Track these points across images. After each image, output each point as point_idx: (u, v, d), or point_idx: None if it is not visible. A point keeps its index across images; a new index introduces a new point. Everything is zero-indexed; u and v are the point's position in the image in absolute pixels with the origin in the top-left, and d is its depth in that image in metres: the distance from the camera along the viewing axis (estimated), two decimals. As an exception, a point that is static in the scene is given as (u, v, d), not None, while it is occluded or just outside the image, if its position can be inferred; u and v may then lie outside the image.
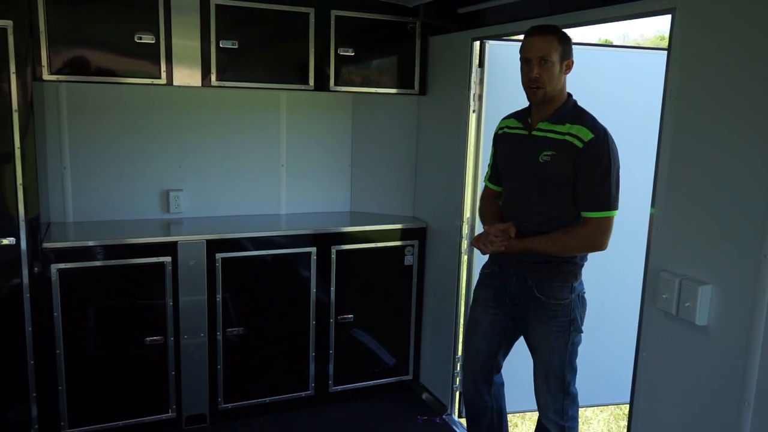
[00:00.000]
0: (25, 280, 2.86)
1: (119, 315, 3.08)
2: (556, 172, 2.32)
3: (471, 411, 2.79)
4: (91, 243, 3.00)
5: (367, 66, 3.56)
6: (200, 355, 3.24)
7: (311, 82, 3.35)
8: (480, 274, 2.68)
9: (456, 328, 3.43)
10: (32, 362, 2.92)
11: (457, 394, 3.48)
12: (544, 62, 2.31)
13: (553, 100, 2.37)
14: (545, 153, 2.34)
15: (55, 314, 2.94)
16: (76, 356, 3.01)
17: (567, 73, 2.37)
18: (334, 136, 3.88)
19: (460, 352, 3.42)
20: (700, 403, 1.97)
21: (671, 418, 2.08)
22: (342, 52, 3.39)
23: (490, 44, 3.16)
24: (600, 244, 2.32)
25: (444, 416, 3.48)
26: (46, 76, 2.87)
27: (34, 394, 2.95)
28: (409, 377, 3.78)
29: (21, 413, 2.94)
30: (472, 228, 3.29)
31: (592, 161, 2.27)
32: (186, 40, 3.08)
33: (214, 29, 3.12)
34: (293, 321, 3.43)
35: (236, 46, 3.18)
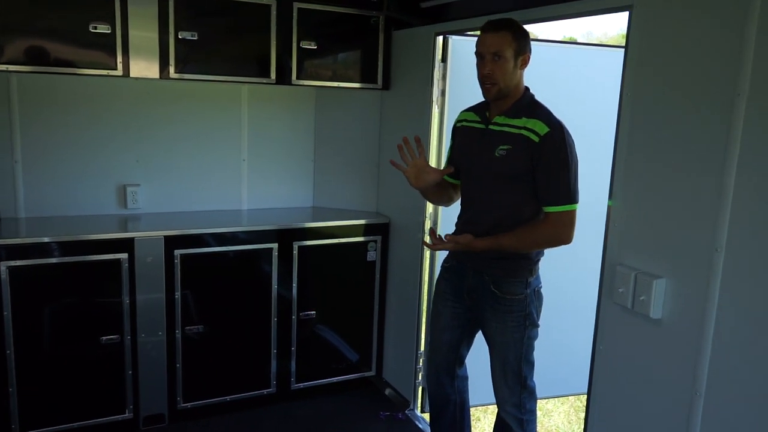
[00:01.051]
0: (-27, 278, 2.76)
1: (73, 313, 2.99)
2: (512, 166, 2.32)
3: (434, 403, 2.79)
4: (44, 239, 2.91)
5: (330, 60, 3.52)
6: (158, 354, 3.17)
7: (273, 75, 3.31)
8: (441, 268, 2.69)
9: (419, 324, 3.43)
10: (-20, 363, 2.83)
11: (420, 389, 3.48)
12: (497, 58, 2.29)
13: (510, 95, 2.36)
14: (501, 147, 2.33)
15: (5, 313, 2.84)
16: (27, 356, 2.91)
17: (523, 68, 2.36)
18: (297, 131, 3.84)
19: (422, 348, 3.42)
20: (655, 393, 2.00)
21: (627, 409, 2.11)
22: (304, 45, 3.35)
23: (453, 39, 3.16)
24: (564, 238, 2.32)
25: (407, 411, 3.49)
26: (-6, 66, 2.77)
27: (-17, 396, 2.85)
28: (372, 373, 3.77)
29: (-31, 416, 2.85)
30: (434, 223, 3.29)
31: (549, 155, 2.26)
32: (143, 30, 3.00)
33: (172, 20, 3.05)
34: (254, 318, 3.38)
35: (196, 38, 3.11)
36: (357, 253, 3.60)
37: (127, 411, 3.15)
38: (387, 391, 3.70)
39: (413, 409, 3.49)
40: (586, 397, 2.34)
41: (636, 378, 2.07)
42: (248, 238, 3.31)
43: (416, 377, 3.46)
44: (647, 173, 2.01)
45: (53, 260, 2.91)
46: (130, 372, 3.12)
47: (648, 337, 2.00)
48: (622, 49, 2.14)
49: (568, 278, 3.43)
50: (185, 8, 3.07)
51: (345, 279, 3.63)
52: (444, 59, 3.18)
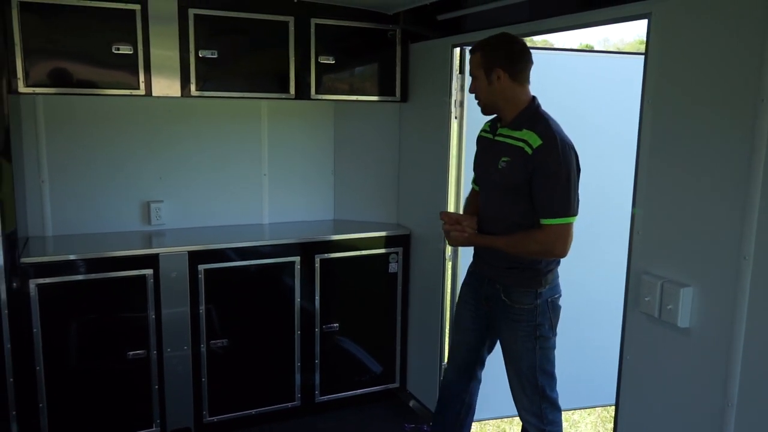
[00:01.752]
0: (3, 296, 2.80)
1: (100, 329, 3.03)
2: (511, 178, 2.34)
3: (442, 397, 2.83)
4: (70, 257, 2.96)
5: (348, 74, 3.55)
6: (184, 368, 3.20)
7: (292, 90, 3.34)
8: (466, 273, 2.73)
9: (442, 335, 3.42)
10: (11, 380, 2.86)
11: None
12: (473, 78, 2.43)
13: (509, 107, 2.39)
14: (503, 159, 2.37)
15: (35, 330, 2.89)
16: (56, 372, 2.96)
17: (501, 83, 2.36)
18: (316, 145, 3.87)
19: (446, 359, 3.41)
20: (685, 403, 1.98)
21: (656, 420, 2.09)
22: (322, 60, 3.38)
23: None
24: (557, 251, 2.32)
25: (431, 424, 3.46)
26: (21, 89, 2.83)
27: (14, 412, 2.89)
28: (396, 385, 3.76)
29: (1, 432, 2.89)
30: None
31: (541, 168, 2.26)
32: (164, 50, 3.06)
33: (193, 39, 3.10)
34: (278, 331, 3.40)
35: (216, 56, 3.16)
36: (379, 264, 3.61)
37: (154, 425, 3.18)
38: (411, 403, 3.69)
39: (438, 421, 3.48)
40: (613, 408, 2.32)
41: (665, 388, 2.05)
42: (271, 252, 3.33)
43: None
44: (671, 181, 1.99)
45: (80, 277, 2.96)
46: (157, 386, 3.15)
47: (676, 346, 1.98)
48: (640, 56, 2.14)
49: (593, 287, 3.41)
50: (205, 27, 3.12)
51: (367, 291, 3.64)
52: (462, 71, 3.19)
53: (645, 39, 2.12)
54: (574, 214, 2.28)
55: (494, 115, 2.53)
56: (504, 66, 2.35)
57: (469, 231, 2.47)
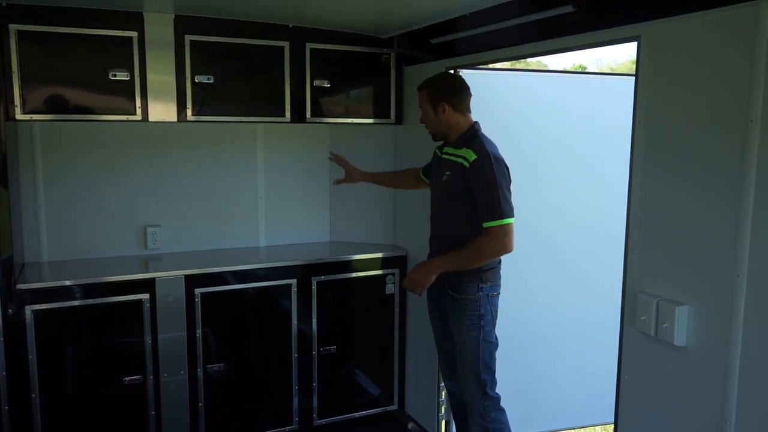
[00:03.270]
0: (-1, 322, 2.80)
1: (97, 355, 3.02)
2: (452, 188, 2.71)
3: (454, 408, 3.07)
4: (67, 282, 2.95)
5: (344, 97, 3.59)
6: (181, 393, 3.18)
7: (288, 114, 3.37)
8: None
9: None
10: (6, 408, 2.84)
11: (444, 423, 3.45)
12: (423, 111, 2.82)
13: (452, 132, 2.76)
14: (446, 173, 2.75)
15: (30, 357, 2.87)
16: (52, 399, 2.94)
17: (445, 114, 2.74)
18: (312, 167, 3.89)
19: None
20: (683, 422, 1.98)
21: (656, 440, 2.08)
22: (318, 83, 3.42)
23: (463, 73, 3.21)
24: (503, 248, 2.59)
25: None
26: (18, 116, 2.85)
27: (9, 440, 2.87)
28: (395, 407, 3.74)
29: (-5, 461, 2.86)
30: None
31: (477, 178, 2.60)
32: (161, 75, 3.09)
33: (189, 64, 3.14)
34: (275, 354, 3.39)
35: (212, 81, 3.19)
36: (376, 286, 3.61)
37: (150, 452, 3.15)
38: (410, 426, 3.66)
39: (437, 444, 3.46)
40: (611, 427, 2.31)
41: (663, 406, 2.05)
42: (267, 275, 3.33)
43: (439, 410, 3.43)
44: (664, 200, 2.01)
45: (76, 303, 2.95)
46: (153, 412, 3.13)
47: (673, 364, 1.98)
48: (631, 77, 2.18)
49: (589, 306, 3.42)
50: (201, 53, 3.16)
51: (364, 313, 3.63)
52: (455, 93, 3.22)
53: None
54: (511, 216, 2.58)
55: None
56: (448, 100, 2.74)
57: (422, 270, 2.71)
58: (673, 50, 1.99)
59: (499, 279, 2.76)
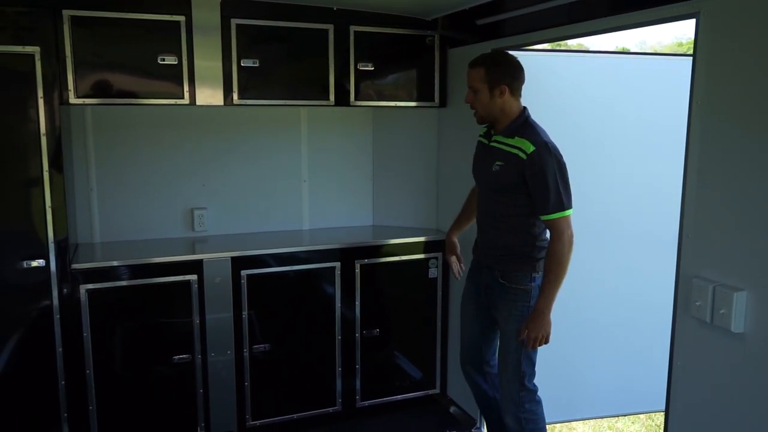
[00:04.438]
0: (55, 301, 2.90)
1: (147, 334, 3.10)
2: (504, 180, 2.60)
3: (477, 399, 3.04)
4: (118, 263, 3.03)
5: (387, 80, 3.57)
6: (227, 373, 3.25)
7: (331, 97, 3.38)
8: (468, 270, 2.97)
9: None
10: (63, 382, 2.95)
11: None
12: (474, 91, 2.62)
13: (502, 118, 2.63)
14: (497, 163, 2.62)
15: (85, 334, 2.97)
16: (105, 376, 3.04)
17: (503, 97, 2.59)
18: (355, 151, 3.89)
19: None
20: (739, 412, 1.92)
21: (708, 428, 2.04)
22: (361, 67, 3.41)
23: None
24: (571, 239, 2.52)
25: (473, 430, 3.45)
26: (72, 100, 2.92)
27: (66, 414, 2.98)
28: (437, 391, 3.75)
29: (53, 434, 2.97)
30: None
31: (536, 170, 2.50)
32: (208, 60, 3.12)
33: (235, 48, 3.16)
34: (319, 336, 3.43)
35: (257, 65, 3.21)
36: (419, 270, 3.61)
37: (199, 429, 3.23)
38: (452, 409, 3.67)
39: (479, 428, 3.45)
40: (658, 414, 2.28)
41: (718, 395, 2.00)
42: (311, 258, 3.36)
43: (481, 395, 3.42)
44: (722, 182, 1.95)
45: (128, 283, 3.04)
46: (201, 390, 3.21)
47: (730, 352, 1.93)
48: (682, 57, 2.11)
49: (640, 291, 3.36)
50: (247, 36, 3.18)
51: (407, 296, 3.64)
52: (501, 75, 3.17)
53: (682, 41, 2.10)
54: (571, 206, 2.53)
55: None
56: (508, 83, 2.58)
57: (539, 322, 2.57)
58: (734, 27, 1.91)
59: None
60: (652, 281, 3.20)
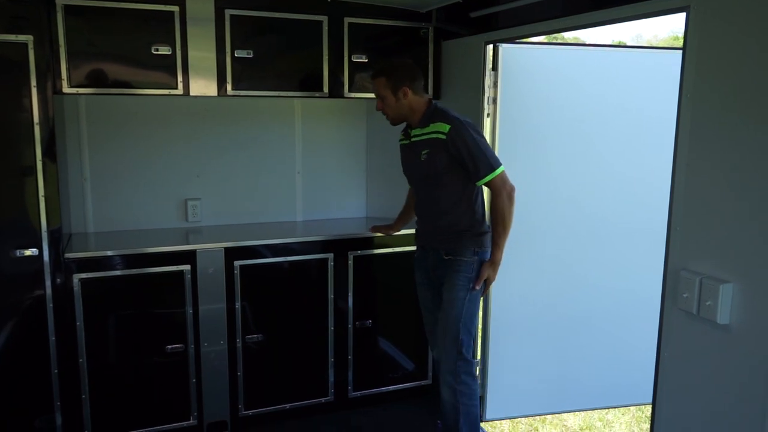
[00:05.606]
0: (48, 290, 2.91)
1: (140, 323, 3.11)
2: (435, 164, 2.76)
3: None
4: (111, 253, 3.04)
5: (381, 72, 3.57)
6: (220, 363, 3.26)
7: (325, 89, 3.38)
8: (414, 258, 3.13)
9: (475, 332, 3.42)
10: (56, 371, 2.96)
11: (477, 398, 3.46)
12: (381, 98, 2.87)
13: (414, 114, 2.85)
14: (423, 152, 2.80)
15: (78, 323, 2.98)
16: (98, 365, 3.05)
17: (407, 98, 2.82)
18: (349, 143, 3.90)
19: (478, 356, 3.41)
20: (725, 403, 1.95)
21: (695, 419, 2.07)
22: (356, 58, 3.41)
23: (503, 47, 3.17)
24: (511, 192, 2.73)
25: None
26: (65, 89, 2.92)
27: (59, 403, 2.99)
28: (429, 382, 3.77)
29: (46, 422, 2.99)
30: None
31: (459, 143, 2.69)
32: (202, 50, 3.12)
33: (229, 39, 3.16)
34: (311, 327, 3.44)
35: (251, 55, 3.21)
36: (411, 261, 3.60)
37: (191, 418, 3.25)
38: (443, 400, 3.69)
39: (470, 418, 3.48)
40: (648, 407, 2.30)
41: (704, 387, 2.02)
42: (305, 249, 3.38)
43: (473, 386, 3.45)
44: (710, 175, 1.97)
45: (121, 272, 3.04)
46: (194, 380, 3.22)
47: (716, 343, 1.95)
48: (676, 51, 2.12)
49: (628, 283, 3.38)
50: (241, 27, 3.18)
51: (400, 288, 3.64)
52: (495, 67, 3.19)
53: (678, 34, 2.10)
54: (500, 163, 2.72)
55: (403, 124, 2.96)
56: (408, 84, 2.81)
57: (488, 272, 2.81)
58: (723, 22, 1.93)
59: (490, 244, 2.85)
60: (643, 275, 3.23)
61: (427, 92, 2.83)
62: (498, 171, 2.70)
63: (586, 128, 3.31)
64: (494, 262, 2.81)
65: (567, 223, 3.34)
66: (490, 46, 3.17)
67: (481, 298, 2.92)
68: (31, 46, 2.76)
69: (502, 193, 2.71)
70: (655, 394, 2.22)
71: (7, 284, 2.86)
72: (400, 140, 3.02)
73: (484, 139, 2.77)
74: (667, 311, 2.14)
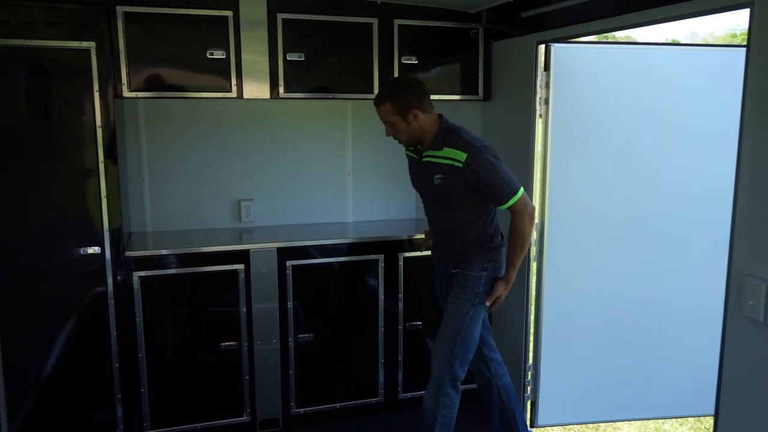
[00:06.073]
0: (110, 287, 3.02)
1: (196, 320, 3.19)
2: (450, 191, 2.69)
3: (480, 390, 3.12)
4: (168, 252, 3.13)
5: (431, 73, 3.57)
6: (273, 361, 3.32)
7: (376, 91, 3.39)
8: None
9: (526, 336, 3.38)
10: (117, 365, 3.07)
11: (529, 402, 3.42)
12: (390, 124, 2.71)
13: (426, 134, 2.72)
14: (437, 176, 2.70)
15: (137, 320, 3.08)
16: (156, 360, 3.15)
17: (417, 119, 2.67)
18: (399, 145, 3.89)
19: (530, 360, 3.37)
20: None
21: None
22: (405, 60, 3.42)
23: (555, 47, 3.12)
24: (532, 213, 2.68)
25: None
26: (126, 93, 3.02)
27: (119, 396, 3.10)
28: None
29: (107, 414, 3.10)
30: (540, 234, 3.25)
31: (477, 173, 2.60)
32: (254, 54, 3.18)
33: (281, 42, 3.21)
34: (362, 328, 3.47)
35: (303, 58, 3.25)
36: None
37: (245, 414, 3.31)
38: (493, 403, 3.66)
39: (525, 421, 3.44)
40: (708, 419, 2.23)
41: (769, 396, 1.95)
42: (355, 250, 3.40)
43: (524, 391, 3.41)
44: (777, 178, 1.89)
45: (178, 271, 3.13)
46: (248, 377, 3.29)
47: (783, 352, 1.88)
48: (736, 49, 2.05)
49: (688, 290, 3.29)
50: (292, 30, 3.23)
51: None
52: (547, 68, 3.14)
53: (736, 32, 2.04)
54: (519, 185, 2.65)
55: None
56: (416, 105, 2.66)
57: (501, 289, 2.78)
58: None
59: (503, 261, 2.78)
60: (703, 281, 3.13)
61: (430, 112, 2.71)
62: (519, 194, 2.63)
63: (640, 129, 3.23)
64: (508, 281, 2.77)
65: (621, 226, 3.26)
66: (542, 46, 3.13)
67: (487, 314, 2.88)
68: (93, 52, 2.86)
69: (524, 215, 2.65)
70: (717, 406, 2.15)
71: (71, 281, 2.98)
72: (407, 151, 2.92)
73: (502, 162, 2.66)
74: (731, 319, 2.06)
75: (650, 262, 3.30)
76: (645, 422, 3.86)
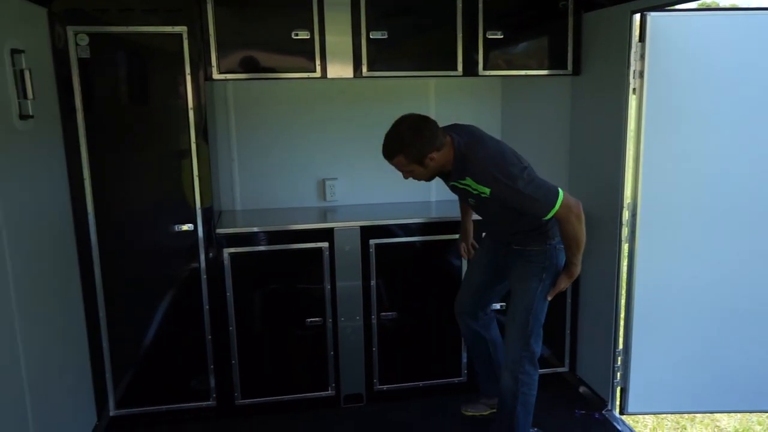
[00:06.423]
0: (203, 263, 3.16)
1: (282, 296, 3.29)
2: (487, 208, 2.73)
3: (465, 337, 3.24)
4: (257, 229, 3.23)
5: (517, 48, 3.45)
6: (356, 338, 3.37)
7: (459, 67, 3.33)
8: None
9: (617, 320, 3.25)
10: (209, 337, 3.22)
11: (618, 389, 3.30)
12: (408, 172, 2.67)
13: (445, 167, 2.66)
14: (470, 198, 2.72)
15: (228, 294, 3.21)
16: (246, 333, 3.27)
17: (435, 160, 2.59)
18: (483, 122, 3.74)
19: (620, 346, 3.24)
20: None
21: None
22: (490, 35, 3.33)
23: (651, 16, 2.94)
24: (579, 213, 2.56)
25: (603, 411, 3.33)
26: (215, 76, 3.11)
27: (212, 366, 3.25)
28: (565, 369, 3.66)
29: (201, 382, 3.27)
30: (633, 214, 3.10)
31: (507, 199, 2.56)
32: (338, 34, 3.19)
33: (364, 21, 3.20)
34: (444, 308, 3.43)
35: (386, 37, 3.23)
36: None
37: (329, 388, 3.40)
38: (581, 389, 3.56)
39: (611, 410, 3.32)
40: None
41: None
42: (437, 229, 3.38)
43: (614, 377, 3.28)
44: None
45: (265, 248, 3.23)
46: (332, 353, 3.36)
47: None
48: None
49: (761, 280, 3.04)
50: (375, 9, 3.20)
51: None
52: (642, 38, 2.96)
53: None
54: (556, 191, 2.52)
55: None
56: (429, 150, 2.56)
57: (566, 281, 2.77)
58: None
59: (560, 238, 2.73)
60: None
61: (443, 145, 2.61)
62: (558, 204, 2.51)
63: (746, 103, 2.99)
64: (571, 275, 2.73)
65: (723, 208, 3.05)
66: (637, 16, 2.95)
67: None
68: (185, 36, 2.97)
69: (570, 218, 2.55)
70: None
71: (168, 256, 3.15)
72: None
73: (526, 173, 2.53)
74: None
75: (752, 249, 3.08)
76: (746, 414, 3.63)
